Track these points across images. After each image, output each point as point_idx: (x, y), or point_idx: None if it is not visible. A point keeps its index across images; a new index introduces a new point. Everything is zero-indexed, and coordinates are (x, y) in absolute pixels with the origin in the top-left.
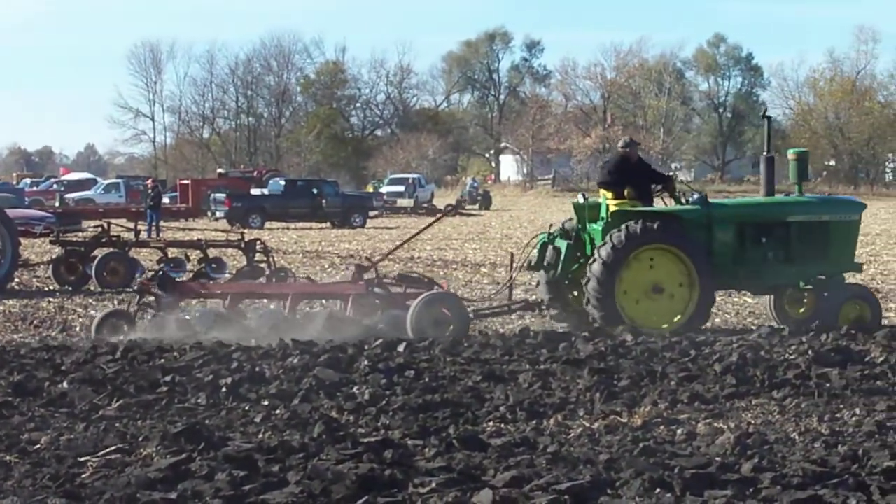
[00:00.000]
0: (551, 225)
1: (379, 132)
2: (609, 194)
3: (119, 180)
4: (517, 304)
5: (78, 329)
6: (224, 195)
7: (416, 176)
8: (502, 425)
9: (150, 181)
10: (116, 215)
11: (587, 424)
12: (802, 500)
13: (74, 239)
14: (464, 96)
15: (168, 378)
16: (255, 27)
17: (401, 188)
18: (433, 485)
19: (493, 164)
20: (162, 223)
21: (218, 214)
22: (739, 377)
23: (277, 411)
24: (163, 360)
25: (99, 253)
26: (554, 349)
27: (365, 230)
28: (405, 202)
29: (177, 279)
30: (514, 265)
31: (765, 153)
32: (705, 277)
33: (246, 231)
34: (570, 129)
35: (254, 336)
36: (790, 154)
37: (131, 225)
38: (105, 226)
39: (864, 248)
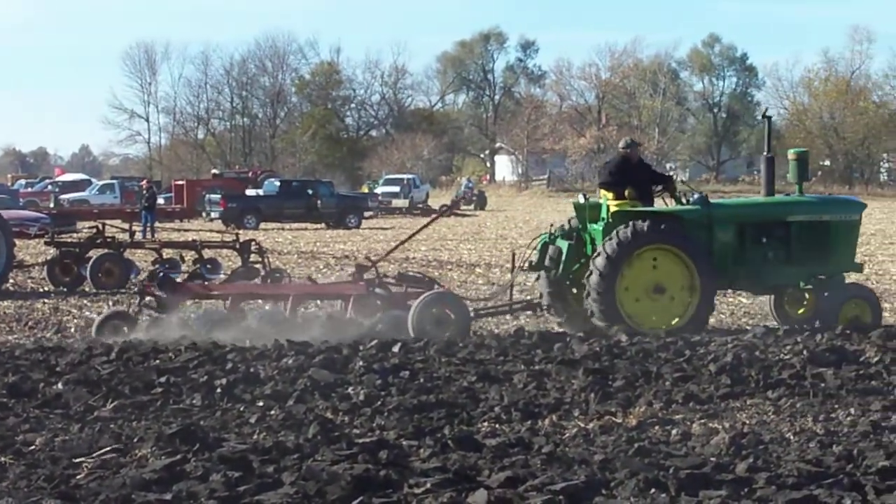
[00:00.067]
0: (552, 225)
1: (374, 133)
2: (610, 195)
3: (114, 181)
4: (518, 304)
5: (73, 330)
6: (219, 196)
7: (411, 176)
8: (497, 426)
9: (144, 182)
10: (111, 216)
11: (582, 425)
12: (797, 500)
13: (69, 240)
14: (459, 97)
15: (163, 379)
16: (249, 28)
17: (396, 189)
18: (428, 485)
19: (488, 165)
20: (157, 224)
21: (213, 215)
22: (734, 377)
23: (272, 412)
24: (158, 361)
25: (94, 254)
26: (549, 349)
27: (360, 231)
28: (400, 203)
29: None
30: (515, 265)
31: (765, 153)
32: (706, 277)
33: (241, 232)
34: (565, 130)
35: (256, 337)
36: (790, 154)
37: (126, 226)
38: (100, 227)
39: (859, 248)
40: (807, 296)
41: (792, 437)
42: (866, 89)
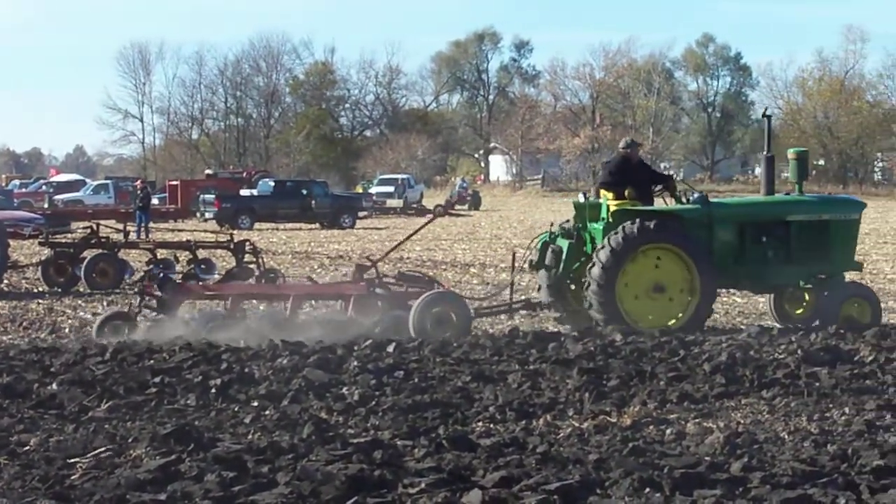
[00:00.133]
0: (552, 224)
1: (368, 133)
2: (610, 195)
3: (108, 181)
4: (518, 304)
5: (67, 331)
6: (213, 196)
7: (405, 176)
8: (492, 425)
9: (139, 182)
10: (105, 216)
11: (576, 424)
12: (792, 499)
13: (63, 240)
14: (453, 97)
15: (157, 379)
16: (243, 28)
17: (390, 189)
18: (423, 485)
19: (483, 165)
20: (151, 224)
21: (207, 215)
22: (729, 377)
23: (267, 412)
24: (152, 362)
25: (88, 254)
26: (543, 349)
27: (354, 231)
28: (394, 203)
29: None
30: (516, 264)
31: (765, 153)
32: (706, 276)
33: (235, 232)
34: (560, 130)
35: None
36: (790, 154)
37: (120, 226)
38: (94, 227)
39: None
40: (806, 295)
41: (786, 437)
42: (860, 89)
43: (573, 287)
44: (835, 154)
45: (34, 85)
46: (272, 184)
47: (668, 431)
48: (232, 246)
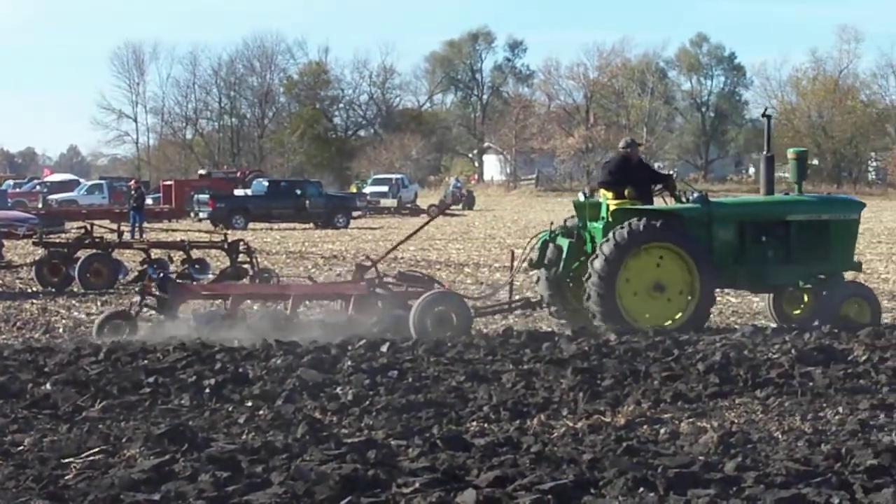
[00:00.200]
0: (552, 223)
1: (362, 132)
2: (609, 194)
3: (102, 181)
4: (518, 303)
5: (61, 331)
6: (207, 196)
7: (399, 176)
8: (486, 425)
9: (133, 182)
10: (100, 216)
11: (570, 424)
12: (786, 498)
13: (57, 240)
14: (447, 96)
15: (151, 379)
16: (237, 28)
17: (384, 188)
18: (417, 485)
19: (477, 164)
20: (145, 224)
21: (201, 215)
22: (723, 376)
23: (261, 412)
24: (146, 362)
25: (82, 254)
26: (537, 349)
27: (348, 231)
28: (388, 202)
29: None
30: (515, 263)
31: (764, 152)
32: (706, 276)
33: (229, 232)
34: (553, 129)
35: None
36: (790, 153)
37: (114, 226)
38: (88, 227)
39: None
40: (805, 296)
41: (780, 436)
42: (854, 88)
43: (573, 286)
44: (829, 154)
45: (28, 85)
46: (266, 184)
47: (662, 431)
48: (226, 246)
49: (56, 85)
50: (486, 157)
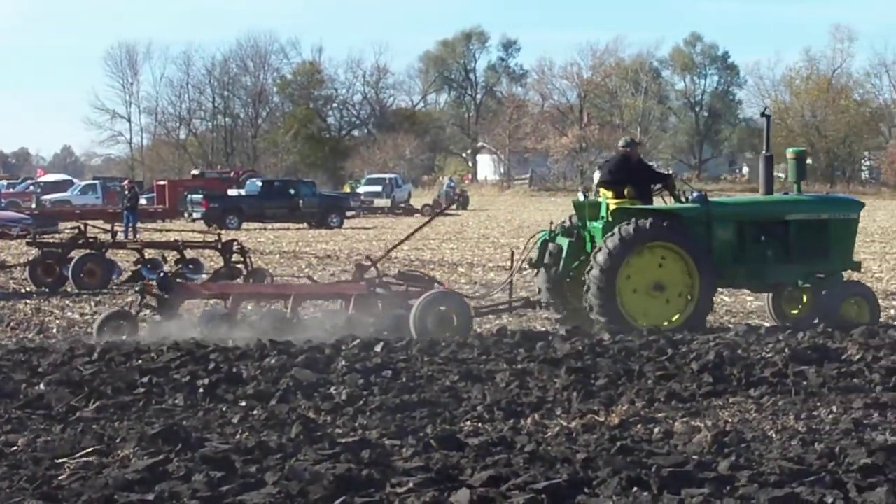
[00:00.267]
0: (552, 222)
1: (356, 132)
2: (609, 193)
3: (96, 182)
4: (517, 302)
5: (55, 331)
6: (201, 196)
7: (393, 176)
8: (480, 425)
9: (126, 182)
10: (93, 217)
11: (564, 423)
12: (779, 497)
13: (51, 240)
14: (440, 96)
15: (145, 379)
16: (231, 28)
17: (378, 188)
18: (411, 485)
19: (470, 164)
20: (139, 224)
21: (195, 215)
22: (716, 375)
23: (255, 412)
24: (140, 362)
25: (76, 254)
26: (531, 348)
27: (342, 230)
28: (382, 202)
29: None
30: (515, 263)
31: (763, 152)
32: (705, 275)
33: (223, 232)
34: (547, 129)
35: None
36: (789, 153)
37: (108, 226)
38: (82, 227)
39: None
40: (804, 295)
41: (774, 435)
42: (848, 88)
43: (572, 286)
44: (822, 153)
45: (22, 85)
46: (260, 183)
47: (655, 430)
48: (220, 246)
49: (49, 85)
50: (479, 157)
